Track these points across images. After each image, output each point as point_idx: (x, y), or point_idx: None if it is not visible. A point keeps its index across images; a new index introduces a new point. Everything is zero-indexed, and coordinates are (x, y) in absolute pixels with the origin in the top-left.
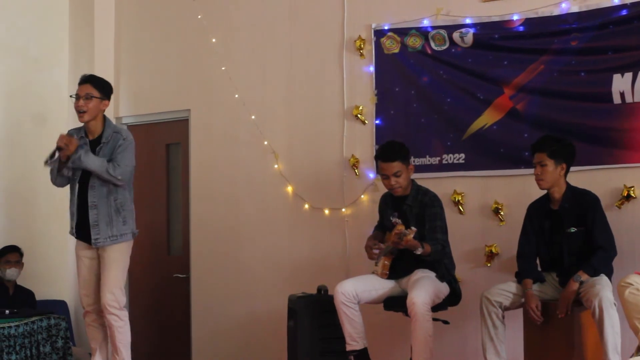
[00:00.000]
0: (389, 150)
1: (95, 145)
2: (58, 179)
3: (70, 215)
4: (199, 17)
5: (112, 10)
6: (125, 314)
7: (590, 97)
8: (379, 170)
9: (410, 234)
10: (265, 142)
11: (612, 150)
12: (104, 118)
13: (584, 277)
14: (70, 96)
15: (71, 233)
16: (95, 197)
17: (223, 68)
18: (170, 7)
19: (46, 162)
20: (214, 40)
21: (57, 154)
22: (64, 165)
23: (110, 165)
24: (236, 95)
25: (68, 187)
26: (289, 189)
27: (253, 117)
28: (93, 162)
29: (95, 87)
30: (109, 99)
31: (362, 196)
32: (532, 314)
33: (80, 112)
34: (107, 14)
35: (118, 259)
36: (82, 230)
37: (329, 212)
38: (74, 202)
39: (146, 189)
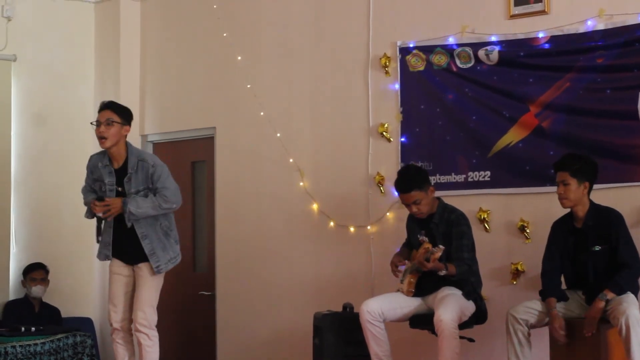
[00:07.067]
0: (403, 181)
1: (121, 174)
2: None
3: (102, 244)
4: (225, 35)
5: (137, 27)
6: (155, 334)
7: (616, 115)
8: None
9: (437, 252)
10: (291, 160)
11: (638, 168)
12: (127, 144)
13: (610, 295)
14: (91, 123)
15: (104, 259)
16: (143, 228)
17: (248, 86)
18: (196, 26)
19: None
20: (239, 58)
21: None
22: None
23: (160, 198)
24: (261, 113)
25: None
26: (315, 206)
27: (278, 134)
28: (146, 209)
29: (116, 112)
30: (129, 124)
31: (388, 214)
32: (556, 334)
33: (101, 139)
34: (133, 32)
35: (152, 277)
36: (121, 254)
37: (354, 230)
38: (110, 233)
39: None
